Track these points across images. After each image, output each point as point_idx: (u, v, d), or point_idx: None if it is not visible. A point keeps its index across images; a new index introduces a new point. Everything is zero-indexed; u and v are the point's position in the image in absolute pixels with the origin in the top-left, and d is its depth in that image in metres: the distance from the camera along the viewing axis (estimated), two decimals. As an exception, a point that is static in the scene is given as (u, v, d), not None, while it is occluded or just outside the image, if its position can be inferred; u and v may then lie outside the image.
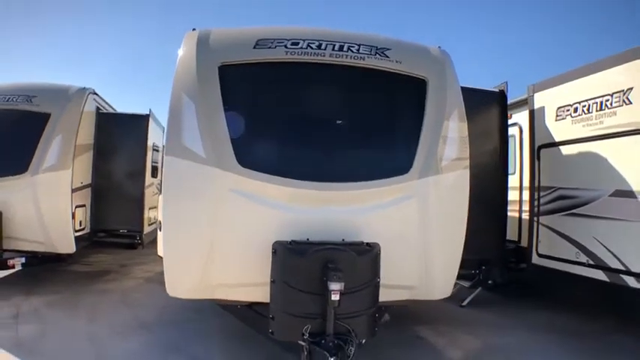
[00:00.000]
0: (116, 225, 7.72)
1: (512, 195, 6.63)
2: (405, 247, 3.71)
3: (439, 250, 3.82)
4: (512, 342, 4.99)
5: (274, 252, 3.22)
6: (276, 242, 3.25)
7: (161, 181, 4.55)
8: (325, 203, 3.56)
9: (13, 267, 6.18)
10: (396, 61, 3.94)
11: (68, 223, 6.15)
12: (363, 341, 3.61)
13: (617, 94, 4.62)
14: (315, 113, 3.92)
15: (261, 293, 3.41)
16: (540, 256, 5.56)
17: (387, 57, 3.92)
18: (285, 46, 3.81)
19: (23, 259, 6.22)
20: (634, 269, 4.36)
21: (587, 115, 4.97)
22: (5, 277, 7.06)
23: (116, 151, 7.48)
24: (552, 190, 5.43)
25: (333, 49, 3.84)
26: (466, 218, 3.89)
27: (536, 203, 5.64)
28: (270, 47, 3.81)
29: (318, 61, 3.80)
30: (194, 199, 3.55)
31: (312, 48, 3.82)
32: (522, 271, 6.36)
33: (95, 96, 7.10)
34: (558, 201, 5.31)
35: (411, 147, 3.74)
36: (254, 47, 3.81)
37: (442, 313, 6.08)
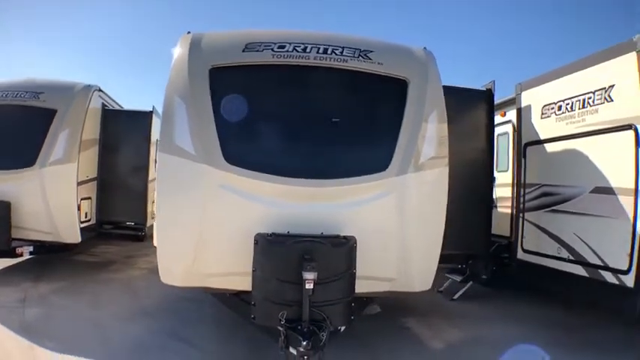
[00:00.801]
0: (121, 217, 8.06)
1: (506, 192, 6.76)
2: (383, 240, 3.87)
3: (417, 244, 3.97)
4: (498, 334, 5.13)
5: (256, 243, 3.43)
6: (257, 234, 3.47)
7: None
8: (307, 199, 3.75)
9: (21, 255, 6.53)
10: (378, 63, 4.09)
11: (74, 214, 6.47)
12: (342, 329, 3.83)
13: (599, 92, 4.71)
14: (298, 113, 4.10)
15: (247, 282, 3.60)
16: (525, 251, 5.69)
17: (370, 59, 4.09)
18: (272, 50, 4.01)
19: (31, 248, 6.58)
20: (611, 265, 4.49)
21: (570, 113, 5.07)
22: (16, 264, 7.46)
23: (121, 146, 7.77)
24: (537, 187, 5.55)
25: (317, 52, 4.02)
26: (444, 214, 4.02)
27: (521, 200, 5.76)
28: (257, 50, 4.00)
29: (303, 64, 3.99)
30: (184, 193, 3.78)
31: (297, 51, 4.01)
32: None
33: (101, 93, 7.38)
34: (542, 198, 5.43)
35: (390, 145, 3.90)
36: (243, 50, 4.02)
37: (432, 307, 6.26)
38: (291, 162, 3.92)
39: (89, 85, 7.01)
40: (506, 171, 6.92)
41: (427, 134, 3.98)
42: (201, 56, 4.01)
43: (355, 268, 3.52)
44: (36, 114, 6.46)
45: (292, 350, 3.26)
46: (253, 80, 4.13)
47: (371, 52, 4.13)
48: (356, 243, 3.53)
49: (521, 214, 5.77)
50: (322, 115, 4.12)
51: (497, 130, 7.51)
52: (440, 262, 6.20)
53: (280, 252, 3.34)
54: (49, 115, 6.43)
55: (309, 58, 3.99)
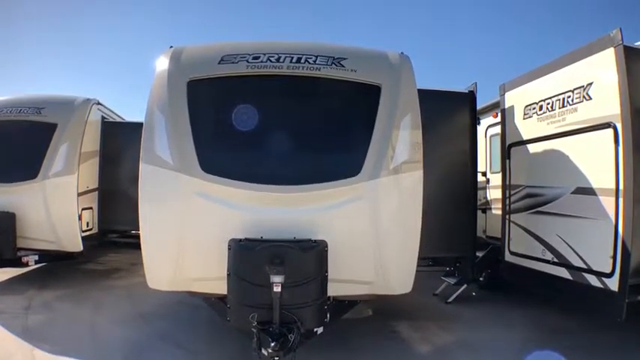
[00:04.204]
0: (123, 226, 8.23)
1: (500, 193, 6.71)
2: (358, 244, 3.92)
3: (393, 248, 3.99)
4: (485, 338, 5.13)
5: (229, 248, 3.56)
6: (231, 239, 3.59)
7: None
8: (280, 204, 3.85)
9: (27, 264, 6.80)
10: (351, 70, 4.17)
11: (75, 223, 6.73)
12: (318, 331, 3.90)
13: (578, 90, 4.67)
14: (272, 122, 4.20)
15: (226, 286, 3.75)
16: (512, 253, 5.64)
17: (343, 66, 4.17)
18: (247, 61, 4.14)
19: (36, 257, 6.84)
20: (595, 267, 4.41)
21: (551, 113, 5.04)
22: (24, 273, 7.78)
23: (121, 157, 7.85)
24: (521, 188, 5.51)
25: (290, 62, 4.14)
26: (420, 217, 4.04)
27: (507, 201, 5.73)
28: (233, 62, 4.15)
29: (276, 73, 4.10)
30: (164, 201, 3.95)
31: (271, 61, 4.13)
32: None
33: (100, 106, 7.65)
34: (526, 199, 5.39)
35: (362, 150, 3.95)
36: (219, 63, 4.16)
37: (425, 310, 6.28)
38: (265, 169, 4.03)
39: (88, 99, 7.28)
40: (499, 172, 6.89)
41: (400, 138, 4.02)
42: (180, 69, 4.17)
43: (327, 271, 3.60)
44: (38, 128, 6.75)
45: (264, 351, 3.36)
46: (228, 91, 4.26)
47: (344, 59, 4.22)
48: (327, 247, 3.60)
49: (507, 216, 5.73)
50: (294, 123, 4.22)
51: (490, 132, 7.51)
52: (427, 264, 6.25)
53: (251, 256, 3.44)
54: (50, 129, 6.72)
55: (282, 68, 4.11)
